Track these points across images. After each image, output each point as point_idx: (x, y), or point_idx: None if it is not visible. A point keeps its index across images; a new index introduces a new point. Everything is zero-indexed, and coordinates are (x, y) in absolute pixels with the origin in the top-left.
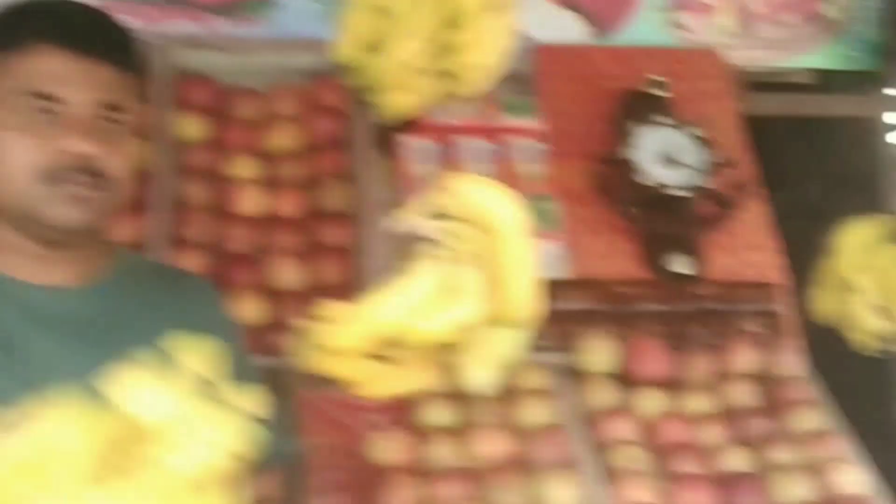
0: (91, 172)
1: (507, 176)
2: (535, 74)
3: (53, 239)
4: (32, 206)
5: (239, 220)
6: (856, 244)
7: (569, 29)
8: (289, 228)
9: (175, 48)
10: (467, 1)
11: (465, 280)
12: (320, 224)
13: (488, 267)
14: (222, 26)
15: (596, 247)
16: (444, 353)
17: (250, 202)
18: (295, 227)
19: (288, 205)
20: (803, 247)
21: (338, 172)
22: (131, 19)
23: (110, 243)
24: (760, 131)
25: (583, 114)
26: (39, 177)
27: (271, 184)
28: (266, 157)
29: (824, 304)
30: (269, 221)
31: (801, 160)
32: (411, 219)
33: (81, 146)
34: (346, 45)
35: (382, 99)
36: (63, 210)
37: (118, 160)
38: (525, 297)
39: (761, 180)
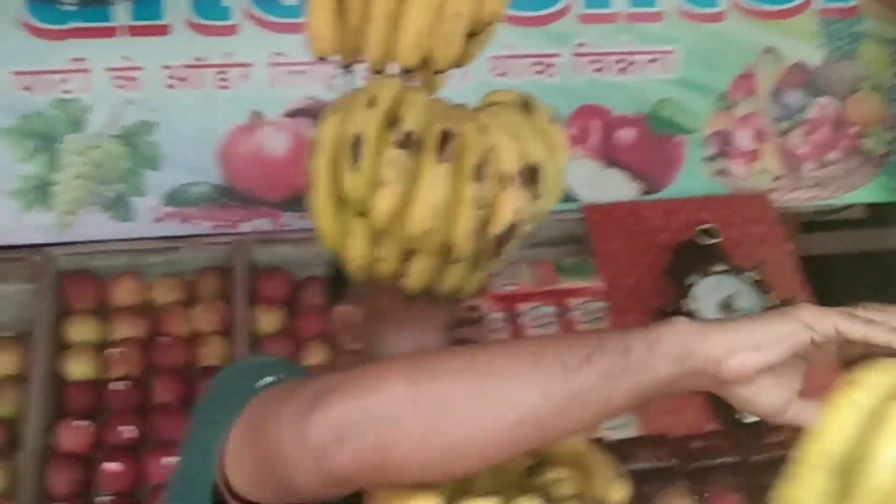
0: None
1: None
2: (588, 234)
3: None
4: None
5: None
6: None
7: (617, 187)
8: None
9: (251, 246)
10: None
11: None
12: None
13: None
14: (292, 220)
15: (663, 402)
16: None
17: None
18: None
19: None
20: None
21: None
22: (211, 223)
23: None
24: (818, 270)
25: (638, 269)
26: (444, 329)
27: None
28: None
29: None
30: None
31: (864, 297)
32: None
33: (484, 304)
34: None
35: None
36: None
37: None
38: None
39: None
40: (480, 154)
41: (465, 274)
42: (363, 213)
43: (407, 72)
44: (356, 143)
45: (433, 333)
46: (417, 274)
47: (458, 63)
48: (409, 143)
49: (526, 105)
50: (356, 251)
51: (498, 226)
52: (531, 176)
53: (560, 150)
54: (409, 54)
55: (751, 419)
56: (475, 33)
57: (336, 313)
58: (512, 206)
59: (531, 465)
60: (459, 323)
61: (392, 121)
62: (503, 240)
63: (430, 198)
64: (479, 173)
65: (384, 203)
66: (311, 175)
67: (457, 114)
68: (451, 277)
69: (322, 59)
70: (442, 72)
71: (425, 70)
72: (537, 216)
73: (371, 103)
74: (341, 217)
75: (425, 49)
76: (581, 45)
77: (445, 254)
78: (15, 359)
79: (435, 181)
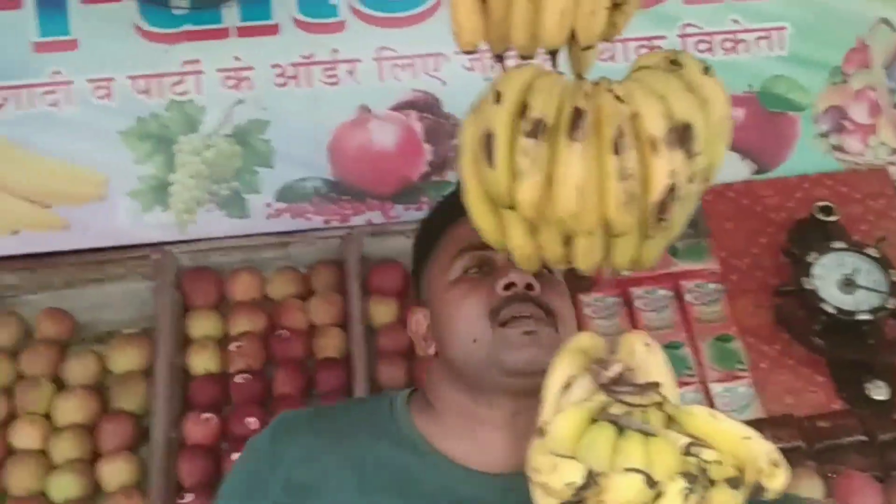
0: (535, 303)
1: (688, 320)
2: (702, 216)
3: (506, 388)
4: (485, 355)
5: None
6: None
7: (728, 168)
8: None
9: (363, 239)
10: None
11: None
12: None
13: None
14: (403, 213)
15: (785, 382)
16: None
17: None
18: None
19: None
20: None
21: None
22: (323, 218)
23: None
24: None
25: (754, 249)
26: (489, 317)
27: None
28: None
29: None
30: None
31: None
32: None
33: (519, 277)
34: None
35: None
36: (515, 350)
37: (558, 297)
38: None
39: None
40: (617, 124)
41: (636, 247)
42: (512, 207)
43: (553, 53)
44: (487, 141)
45: (479, 324)
46: (584, 254)
47: (605, 37)
48: (539, 130)
49: (673, 62)
50: (517, 243)
51: (654, 192)
52: (682, 134)
53: (716, 101)
54: (555, 33)
55: (877, 396)
56: (619, 3)
57: (409, 322)
58: (664, 169)
59: (690, 443)
60: (502, 304)
61: (522, 111)
62: (664, 205)
63: (569, 179)
64: (616, 144)
65: (524, 194)
66: (461, 177)
67: (595, 89)
68: (622, 253)
69: (469, 53)
70: (590, 48)
71: (573, 48)
72: (701, 173)
73: (497, 97)
74: (496, 212)
75: (570, 26)
76: (687, 25)
77: (606, 231)
78: (141, 354)
79: (570, 162)
